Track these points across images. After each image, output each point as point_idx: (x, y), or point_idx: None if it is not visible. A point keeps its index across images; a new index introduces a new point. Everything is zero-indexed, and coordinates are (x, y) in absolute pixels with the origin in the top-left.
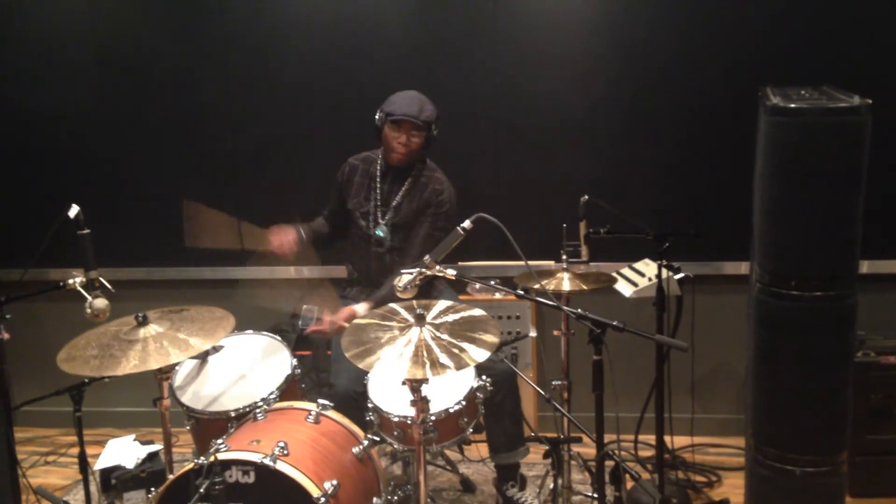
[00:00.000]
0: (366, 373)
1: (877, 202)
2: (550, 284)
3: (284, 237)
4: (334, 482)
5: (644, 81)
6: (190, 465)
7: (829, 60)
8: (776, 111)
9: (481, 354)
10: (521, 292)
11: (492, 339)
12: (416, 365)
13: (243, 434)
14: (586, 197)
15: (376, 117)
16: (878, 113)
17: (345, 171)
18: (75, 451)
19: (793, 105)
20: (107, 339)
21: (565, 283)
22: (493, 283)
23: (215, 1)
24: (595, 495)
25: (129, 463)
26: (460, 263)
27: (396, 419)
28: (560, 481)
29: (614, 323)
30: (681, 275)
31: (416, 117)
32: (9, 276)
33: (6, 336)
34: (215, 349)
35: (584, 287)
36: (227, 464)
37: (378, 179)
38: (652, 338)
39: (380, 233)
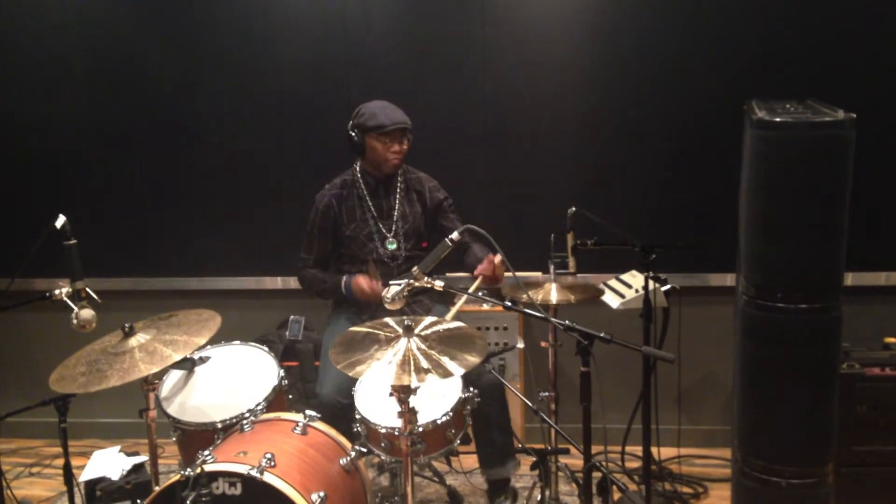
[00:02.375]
0: (352, 384)
1: (861, 215)
2: (538, 296)
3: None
4: (321, 494)
5: (632, 94)
6: (176, 477)
7: (814, 74)
8: (761, 125)
9: (468, 365)
10: (509, 303)
11: (479, 350)
12: (403, 372)
13: (230, 445)
14: (574, 208)
15: (352, 134)
16: (863, 127)
17: (332, 204)
18: (60, 462)
19: (778, 119)
20: (95, 355)
21: (553, 294)
22: (480, 293)
23: (206, 13)
24: None
25: (115, 474)
26: (448, 274)
27: (384, 430)
28: (547, 493)
29: (602, 334)
30: (667, 286)
31: (406, 122)
32: None
33: None
34: (202, 360)
35: (572, 298)
36: (214, 475)
37: (368, 198)
38: (639, 349)
39: (391, 246)
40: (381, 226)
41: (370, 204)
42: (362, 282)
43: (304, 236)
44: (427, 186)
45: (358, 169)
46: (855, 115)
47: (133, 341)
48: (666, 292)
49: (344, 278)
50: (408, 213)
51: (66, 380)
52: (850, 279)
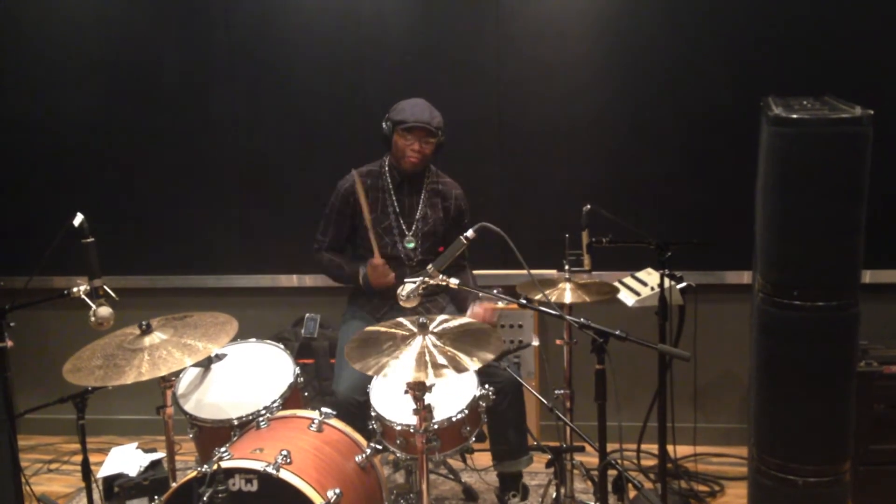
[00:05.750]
0: (368, 381)
1: (879, 212)
2: (553, 293)
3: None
4: (337, 490)
5: (647, 91)
6: (193, 474)
7: (831, 70)
8: (778, 121)
9: (484, 360)
10: (524, 301)
11: (494, 347)
12: (419, 369)
13: (246, 442)
14: (589, 206)
15: (383, 126)
16: (880, 123)
17: (354, 192)
18: (78, 458)
19: (794, 115)
20: (111, 349)
21: (568, 292)
22: (495, 291)
23: (221, 11)
24: None
25: (132, 471)
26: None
27: (399, 428)
28: (562, 491)
29: (617, 332)
30: (683, 284)
31: (428, 123)
32: (13, 284)
33: (10, 344)
34: (218, 357)
35: (587, 297)
36: (231, 472)
37: (393, 191)
38: (655, 347)
39: (410, 245)
40: (401, 222)
41: (394, 199)
42: (377, 262)
43: (322, 218)
44: (454, 194)
45: (387, 162)
46: (872, 112)
47: (149, 340)
48: (682, 290)
49: (361, 269)
50: (429, 216)
51: (83, 372)
52: (867, 276)
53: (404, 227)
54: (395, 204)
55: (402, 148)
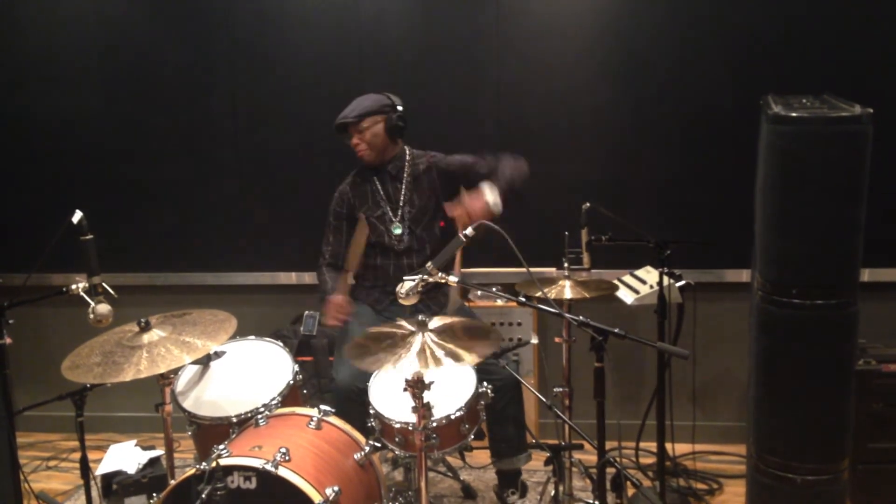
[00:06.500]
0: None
1: (878, 210)
2: (552, 291)
3: (342, 311)
4: (336, 488)
5: (647, 89)
6: (192, 471)
7: (831, 69)
8: (777, 120)
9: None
10: (523, 299)
11: (493, 345)
12: (421, 361)
13: (245, 440)
14: (588, 204)
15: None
16: (880, 121)
17: (346, 191)
18: (77, 456)
19: (794, 114)
20: (110, 346)
21: (567, 290)
22: (494, 289)
23: (221, 8)
24: (596, 503)
25: (131, 468)
26: (462, 270)
27: (398, 425)
28: (561, 488)
29: (616, 330)
30: (682, 282)
31: (345, 117)
32: (12, 281)
33: (9, 341)
34: (217, 355)
35: (586, 294)
36: (229, 469)
37: (377, 181)
38: (653, 345)
39: (396, 231)
40: (389, 209)
41: (378, 188)
42: (335, 301)
43: (325, 228)
44: (430, 164)
45: None
46: (872, 110)
47: (148, 337)
48: (681, 288)
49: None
50: (415, 200)
51: (81, 369)
52: (866, 275)
53: (391, 214)
54: (381, 192)
55: (351, 148)
